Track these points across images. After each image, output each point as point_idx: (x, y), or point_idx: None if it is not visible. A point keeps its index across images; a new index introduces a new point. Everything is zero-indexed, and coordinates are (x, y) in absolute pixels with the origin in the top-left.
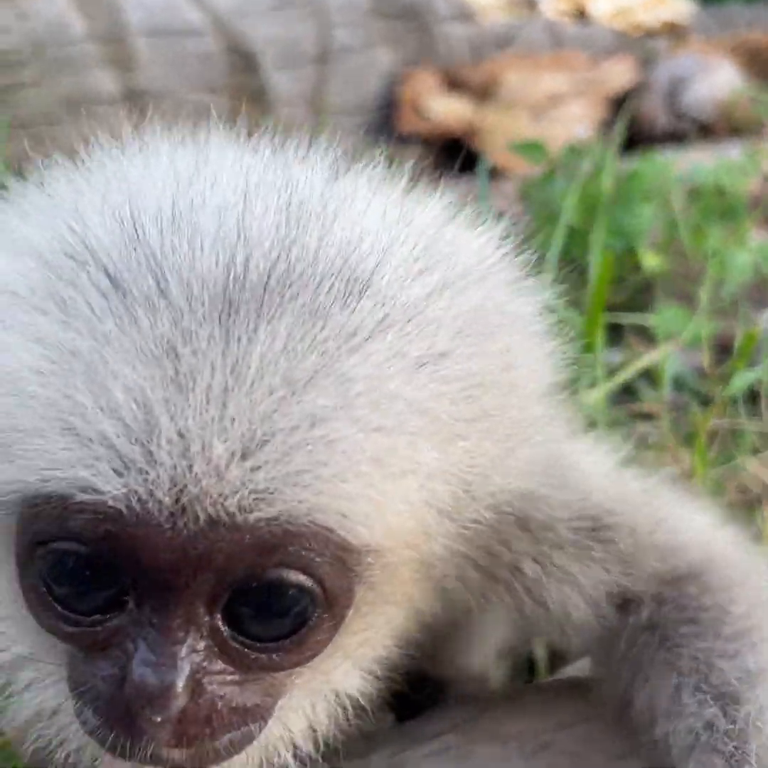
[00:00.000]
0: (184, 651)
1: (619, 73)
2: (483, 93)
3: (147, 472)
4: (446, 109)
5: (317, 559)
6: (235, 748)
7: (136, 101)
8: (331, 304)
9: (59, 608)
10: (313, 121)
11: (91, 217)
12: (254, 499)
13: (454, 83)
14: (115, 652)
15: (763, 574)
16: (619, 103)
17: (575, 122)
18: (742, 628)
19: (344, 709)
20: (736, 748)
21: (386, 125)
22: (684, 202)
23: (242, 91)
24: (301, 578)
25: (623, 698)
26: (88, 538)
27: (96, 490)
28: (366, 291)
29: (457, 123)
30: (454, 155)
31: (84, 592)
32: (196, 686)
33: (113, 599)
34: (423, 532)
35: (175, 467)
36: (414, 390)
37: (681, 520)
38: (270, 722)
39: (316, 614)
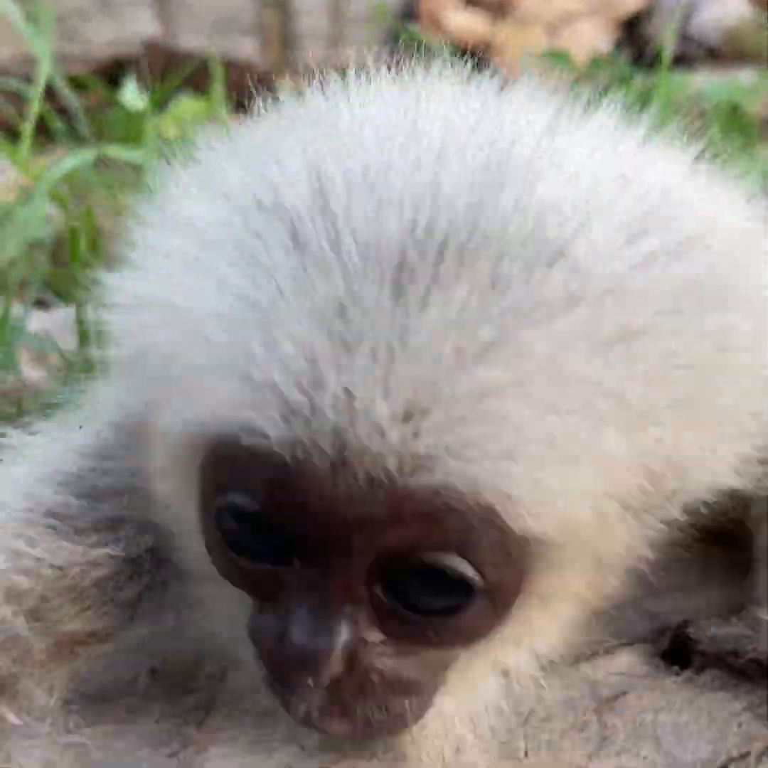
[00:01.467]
0: (342, 620)
1: None
2: (499, 8)
3: (311, 422)
4: (463, 23)
5: (478, 544)
6: (394, 723)
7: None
8: (515, 275)
9: (232, 554)
10: (334, 31)
11: (287, 171)
12: (414, 464)
13: None
14: (281, 607)
15: None
16: (629, 24)
17: (588, 40)
18: None
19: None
20: None
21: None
22: (698, 118)
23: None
24: (460, 563)
25: None
26: (255, 488)
27: (263, 434)
28: (558, 261)
29: (473, 37)
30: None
31: (255, 545)
32: (351, 656)
33: (282, 554)
34: (600, 527)
35: (338, 421)
36: (600, 370)
37: None
38: (432, 701)
39: (475, 602)
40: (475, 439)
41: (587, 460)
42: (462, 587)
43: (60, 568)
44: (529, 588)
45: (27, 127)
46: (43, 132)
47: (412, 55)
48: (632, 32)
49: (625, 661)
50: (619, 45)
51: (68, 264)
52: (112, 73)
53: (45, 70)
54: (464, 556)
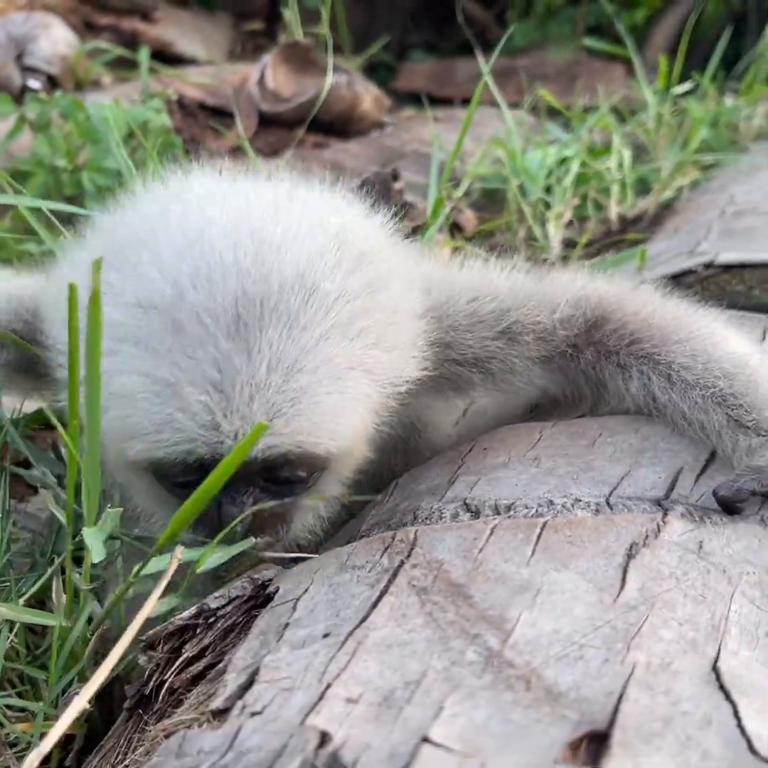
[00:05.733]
0: (250, 499)
1: None
2: None
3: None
4: None
5: (301, 463)
6: (280, 532)
7: None
8: (298, 324)
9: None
10: None
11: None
12: (267, 450)
13: None
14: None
15: (649, 296)
16: None
17: None
18: (664, 335)
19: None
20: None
21: None
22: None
23: None
24: (293, 473)
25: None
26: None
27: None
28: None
29: None
30: None
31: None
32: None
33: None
34: (361, 434)
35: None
36: (345, 354)
37: (564, 287)
38: (291, 524)
39: (302, 485)
40: (293, 425)
41: (345, 419)
42: (297, 481)
43: None
44: (325, 472)
45: None
46: None
47: None
48: None
49: None
50: None
51: None
52: None
53: None
54: (297, 471)
